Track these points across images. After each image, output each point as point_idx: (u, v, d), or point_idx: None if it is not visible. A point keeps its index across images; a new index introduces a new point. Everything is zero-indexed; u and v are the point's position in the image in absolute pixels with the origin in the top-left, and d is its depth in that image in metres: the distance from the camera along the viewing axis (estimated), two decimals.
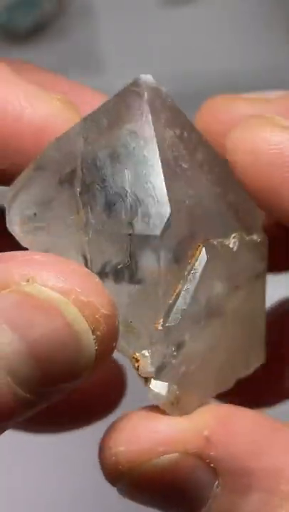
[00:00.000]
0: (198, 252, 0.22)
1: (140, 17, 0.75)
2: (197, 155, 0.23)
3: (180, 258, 0.22)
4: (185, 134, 0.23)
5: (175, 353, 0.21)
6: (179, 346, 0.21)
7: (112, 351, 0.20)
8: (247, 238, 0.24)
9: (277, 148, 0.22)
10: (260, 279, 0.24)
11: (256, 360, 0.25)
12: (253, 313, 0.24)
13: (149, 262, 0.21)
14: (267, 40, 0.73)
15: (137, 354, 0.21)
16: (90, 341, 0.19)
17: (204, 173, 0.23)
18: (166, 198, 0.22)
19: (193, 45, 0.73)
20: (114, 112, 0.23)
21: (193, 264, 0.22)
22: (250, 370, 0.25)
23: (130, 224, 0.22)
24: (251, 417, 0.21)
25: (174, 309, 0.21)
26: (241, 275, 0.23)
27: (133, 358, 0.22)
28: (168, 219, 0.22)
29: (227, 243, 0.23)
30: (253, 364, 0.25)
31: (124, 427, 0.21)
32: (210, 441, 0.20)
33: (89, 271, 0.21)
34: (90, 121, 0.23)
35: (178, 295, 0.22)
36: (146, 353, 0.21)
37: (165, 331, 0.21)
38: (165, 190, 0.22)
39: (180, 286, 0.22)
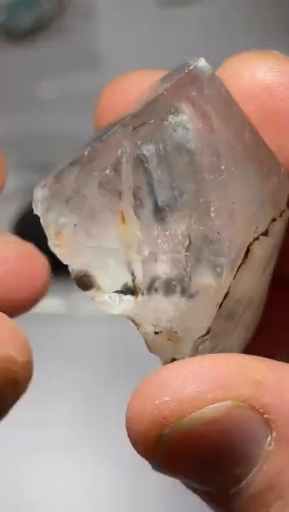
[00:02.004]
0: (247, 254, 0.21)
1: (140, 17, 0.74)
2: (244, 139, 0.21)
3: (234, 266, 0.20)
4: (235, 123, 0.21)
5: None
6: (219, 348, 0.21)
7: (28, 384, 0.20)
8: (278, 221, 0.22)
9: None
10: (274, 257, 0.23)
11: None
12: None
13: (207, 279, 0.19)
14: (267, 41, 0.72)
15: (178, 357, 0.20)
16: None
17: (251, 159, 0.20)
18: (227, 224, 0.20)
19: (193, 46, 0.72)
20: (163, 103, 0.20)
21: (241, 266, 0.21)
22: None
23: (187, 238, 0.20)
24: None
25: (220, 312, 0.20)
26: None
27: (172, 360, 0.20)
28: (229, 244, 0.20)
29: (268, 234, 0.21)
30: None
31: (165, 374, 0.18)
32: (263, 386, 0.17)
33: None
34: (133, 115, 0.20)
35: (225, 297, 0.20)
36: (188, 357, 0.20)
37: (210, 338, 0.20)
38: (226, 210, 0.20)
39: (229, 288, 0.20)
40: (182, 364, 0.18)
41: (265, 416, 0.17)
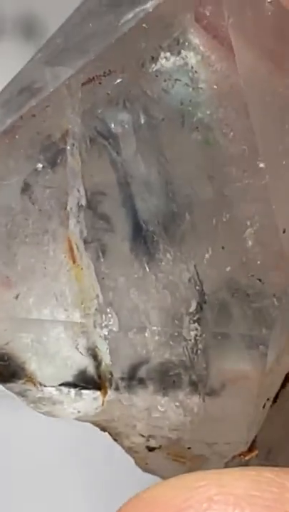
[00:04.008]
0: None
1: None
2: None
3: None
4: None
5: None
6: None
7: None
8: None
9: None
10: None
11: None
12: None
13: (239, 364, 0.11)
14: None
15: None
16: None
17: None
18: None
19: None
20: (147, 27, 0.11)
21: None
22: None
23: (198, 290, 0.11)
24: None
25: (274, 412, 0.12)
26: None
27: None
28: None
29: None
30: None
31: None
32: None
33: None
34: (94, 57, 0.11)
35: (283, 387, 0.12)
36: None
37: (259, 458, 0.13)
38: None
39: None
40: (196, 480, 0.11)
41: None
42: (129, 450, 0.12)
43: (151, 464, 0.13)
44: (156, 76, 0.10)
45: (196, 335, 0.11)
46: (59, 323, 0.11)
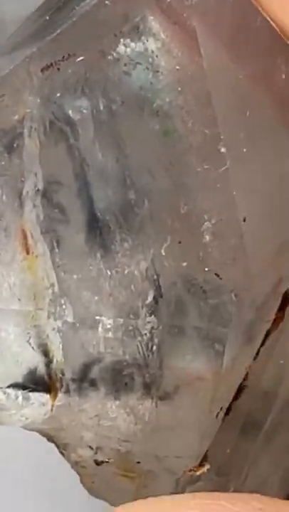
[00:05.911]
0: (284, 308, 0.11)
1: None
2: (274, 84, 0.11)
3: (255, 335, 0.11)
4: (254, 54, 0.11)
5: None
6: (231, 487, 0.13)
7: None
8: None
9: None
10: None
11: None
12: None
13: (195, 364, 0.11)
14: None
15: None
16: None
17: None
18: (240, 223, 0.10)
19: None
20: (106, 12, 0.10)
21: (271, 333, 0.11)
22: None
23: (154, 284, 0.11)
24: None
25: (227, 423, 0.11)
26: None
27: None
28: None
29: None
30: None
31: None
32: None
33: None
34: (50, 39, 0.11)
35: (237, 395, 0.11)
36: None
37: (210, 472, 0.12)
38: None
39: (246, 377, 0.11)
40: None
41: None
42: (76, 465, 0.12)
43: (98, 482, 0.12)
44: (118, 60, 0.10)
45: (152, 327, 0.10)
46: (11, 312, 0.10)
